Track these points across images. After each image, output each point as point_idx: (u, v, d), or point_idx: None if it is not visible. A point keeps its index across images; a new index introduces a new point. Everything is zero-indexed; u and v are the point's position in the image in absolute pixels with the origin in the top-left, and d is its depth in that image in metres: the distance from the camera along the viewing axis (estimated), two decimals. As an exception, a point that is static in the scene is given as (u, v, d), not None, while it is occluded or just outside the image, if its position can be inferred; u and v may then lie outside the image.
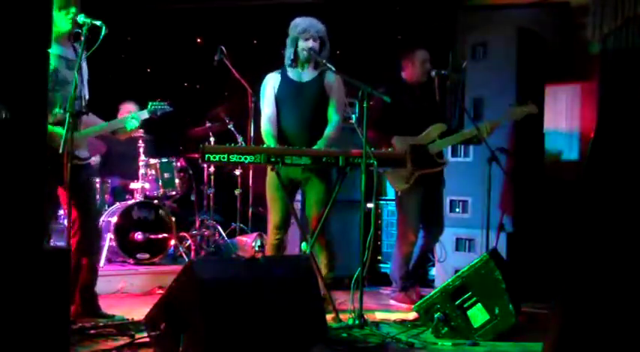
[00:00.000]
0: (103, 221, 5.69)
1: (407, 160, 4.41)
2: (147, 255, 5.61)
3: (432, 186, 4.90)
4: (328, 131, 4.37)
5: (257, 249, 5.85)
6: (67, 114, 3.50)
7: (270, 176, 4.33)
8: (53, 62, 3.73)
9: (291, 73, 4.45)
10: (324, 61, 4.28)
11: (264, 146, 4.17)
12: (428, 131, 4.76)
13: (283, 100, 4.42)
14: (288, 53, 4.40)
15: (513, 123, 5.03)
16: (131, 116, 4.14)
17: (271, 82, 4.46)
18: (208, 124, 6.44)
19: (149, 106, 4.24)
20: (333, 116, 4.43)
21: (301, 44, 4.35)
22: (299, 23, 4.38)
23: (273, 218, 4.41)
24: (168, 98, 4.36)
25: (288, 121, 4.40)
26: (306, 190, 4.44)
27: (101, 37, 3.60)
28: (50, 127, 3.64)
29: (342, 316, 3.99)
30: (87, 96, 3.97)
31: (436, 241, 5.12)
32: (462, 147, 5.32)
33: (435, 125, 4.77)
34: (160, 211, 5.77)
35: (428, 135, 4.77)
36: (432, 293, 3.87)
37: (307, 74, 4.45)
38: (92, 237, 4.03)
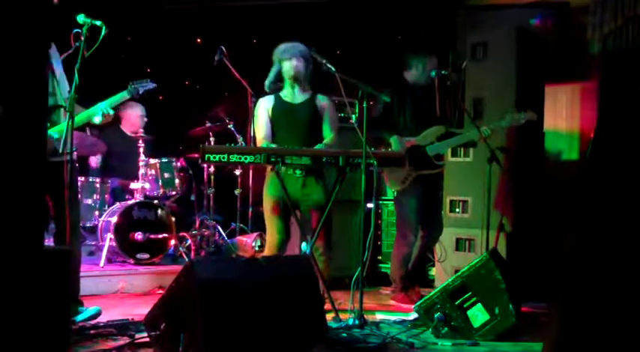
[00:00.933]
0: (103, 221, 5.69)
1: (405, 161, 4.42)
2: (147, 255, 5.60)
3: (431, 187, 4.91)
4: (325, 141, 4.41)
5: (257, 249, 5.88)
6: (68, 114, 3.50)
7: (266, 198, 4.35)
8: None
9: (284, 93, 4.51)
10: (324, 61, 4.27)
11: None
12: (426, 133, 4.78)
13: (278, 122, 4.47)
14: (270, 75, 4.47)
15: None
16: (108, 101, 3.98)
17: (264, 105, 4.50)
18: (208, 124, 6.44)
19: (129, 87, 4.12)
20: (328, 133, 4.48)
21: (285, 65, 4.41)
22: (280, 46, 4.48)
23: (271, 238, 4.40)
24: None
25: (284, 142, 4.40)
26: (306, 202, 4.40)
27: (101, 37, 3.60)
28: None
29: (342, 316, 3.99)
30: (64, 92, 3.88)
31: (435, 242, 5.13)
32: (462, 147, 5.32)
33: (434, 127, 4.78)
34: (160, 211, 5.77)
35: (426, 136, 4.78)
36: (432, 293, 3.87)
37: (299, 96, 4.50)
38: (70, 236, 3.91)
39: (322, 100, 4.51)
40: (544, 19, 6.18)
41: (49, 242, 4.90)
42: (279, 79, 4.49)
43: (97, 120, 3.96)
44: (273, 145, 4.33)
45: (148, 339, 3.26)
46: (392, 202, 5.71)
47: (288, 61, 4.42)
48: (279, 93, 4.53)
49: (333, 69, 4.22)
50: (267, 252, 4.44)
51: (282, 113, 4.47)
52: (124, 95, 4.05)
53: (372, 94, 4.36)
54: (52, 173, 3.61)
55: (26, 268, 2.25)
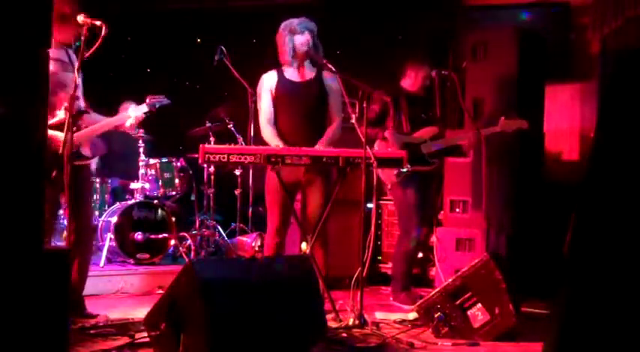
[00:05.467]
0: (103, 221, 5.69)
1: (405, 161, 4.42)
2: (147, 255, 5.60)
3: (426, 185, 4.93)
4: (329, 131, 4.37)
5: (257, 249, 5.87)
6: (68, 114, 3.50)
7: (270, 178, 4.31)
8: (50, 65, 3.73)
9: (289, 72, 4.42)
10: (324, 61, 4.27)
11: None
12: (419, 132, 4.83)
13: (282, 101, 4.39)
14: (288, 49, 4.33)
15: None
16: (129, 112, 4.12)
17: (268, 82, 4.42)
18: (208, 124, 6.44)
19: (148, 100, 4.21)
20: (334, 116, 4.42)
21: (298, 39, 4.31)
22: (292, 20, 4.36)
23: (272, 221, 4.38)
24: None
25: (287, 122, 4.37)
26: (307, 192, 4.41)
27: (101, 37, 3.60)
28: (51, 131, 3.66)
29: (342, 316, 3.99)
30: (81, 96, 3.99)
31: (427, 240, 5.16)
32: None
33: (427, 128, 4.83)
34: (160, 211, 5.77)
35: (420, 135, 4.82)
36: (432, 294, 3.87)
37: (305, 73, 4.42)
38: (85, 239, 4.01)
39: (330, 77, 4.39)
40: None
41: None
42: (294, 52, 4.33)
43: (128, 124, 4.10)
44: (275, 133, 4.30)
45: (148, 339, 3.25)
46: (392, 202, 5.71)
47: (301, 34, 4.29)
48: (283, 70, 4.42)
49: (334, 69, 4.21)
50: (268, 237, 4.44)
51: (286, 92, 4.37)
52: (143, 108, 4.14)
53: (372, 94, 4.35)
54: (76, 175, 3.65)
55: (26, 268, 2.25)
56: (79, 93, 3.92)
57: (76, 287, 3.93)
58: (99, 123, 4.09)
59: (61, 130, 3.63)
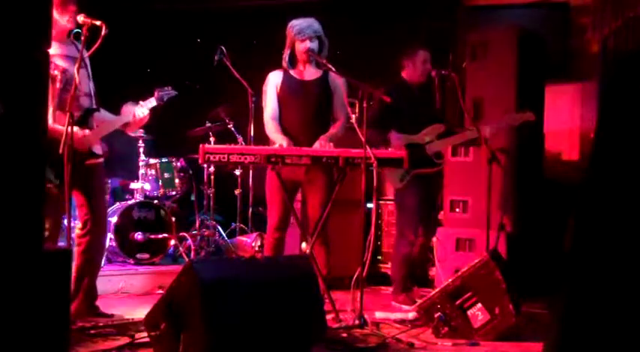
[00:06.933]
0: (103, 221, 5.69)
1: (405, 161, 4.42)
2: (147, 255, 5.60)
3: (431, 186, 4.91)
4: (332, 129, 4.38)
5: (257, 249, 5.87)
6: (69, 114, 3.50)
7: (270, 176, 4.32)
8: (61, 62, 3.75)
9: (294, 71, 4.45)
10: (324, 61, 4.28)
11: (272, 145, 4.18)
12: (426, 131, 4.79)
13: (286, 99, 4.41)
14: (285, 55, 4.40)
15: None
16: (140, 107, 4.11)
17: (273, 81, 4.44)
18: (208, 124, 6.44)
19: (156, 94, 4.21)
20: (338, 116, 4.44)
21: (299, 46, 4.35)
22: (295, 24, 4.37)
23: (272, 218, 4.40)
24: (169, 98, 4.35)
25: (291, 120, 4.39)
26: (308, 191, 4.42)
27: (101, 37, 3.61)
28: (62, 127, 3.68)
29: (342, 316, 3.99)
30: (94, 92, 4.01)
31: (429, 241, 5.15)
32: (462, 147, 5.32)
33: (433, 125, 4.79)
34: (160, 211, 5.77)
35: (425, 134, 4.79)
36: (432, 294, 3.87)
37: (310, 73, 4.44)
38: (101, 238, 4.05)
39: (335, 78, 4.42)
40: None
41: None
42: (295, 58, 4.41)
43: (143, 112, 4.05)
44: (279, 129, 4.31)
45: (148, 339, 3.25)
46: (392, 202, 5.71)
47: (302, 42, 4.33)
48: (289, 70, 4.45)
49: (334, 69, 4.22)
50: (268, 234, 4.44)
51: (290, 90, 4.40)
52: (151, 101, 4.12)
53: (372, 94, 4.35)
54: (92, 175, 3.70)
55: (26, 268, 2.25)
56: (92, 91, 3.93)
57: (93, 286, 3.97)
58: (110, 121, 4.09)
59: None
